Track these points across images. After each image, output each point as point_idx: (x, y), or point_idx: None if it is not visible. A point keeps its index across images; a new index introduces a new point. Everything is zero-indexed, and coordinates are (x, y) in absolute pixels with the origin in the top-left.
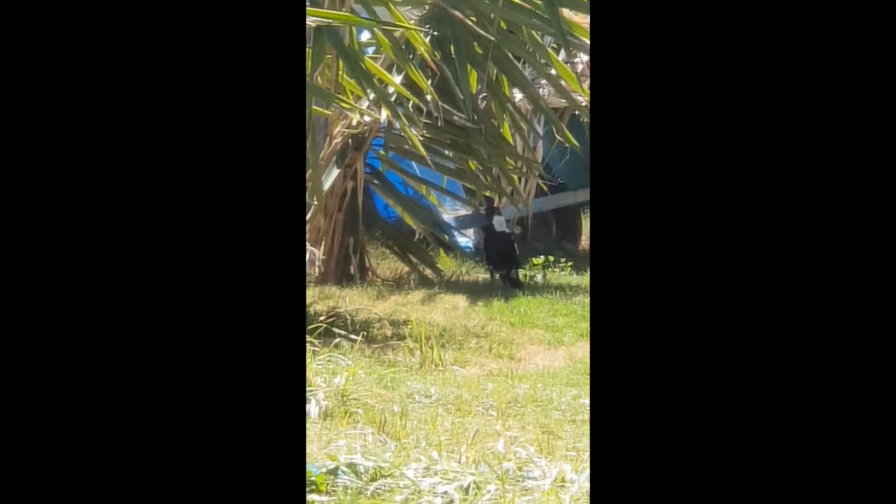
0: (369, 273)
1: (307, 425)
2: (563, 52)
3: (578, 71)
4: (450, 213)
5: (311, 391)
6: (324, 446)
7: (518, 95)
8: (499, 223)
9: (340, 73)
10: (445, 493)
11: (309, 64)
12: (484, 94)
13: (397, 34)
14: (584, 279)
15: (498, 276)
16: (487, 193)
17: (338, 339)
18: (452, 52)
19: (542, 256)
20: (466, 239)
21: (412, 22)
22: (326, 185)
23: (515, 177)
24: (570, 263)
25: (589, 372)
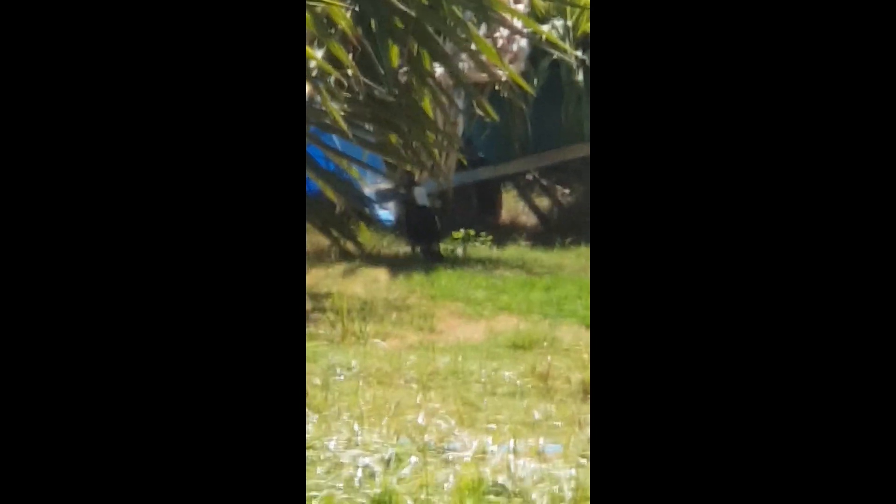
0: None
1: None
2: (483, 27)
3: (498, 46)
4: (370, 186)
5: None
6: None
7: (439, 70)
8: (419, 196)
9: None
10: (367, 465)
11: None
12: (405, 69)
13: (318, 9)
14: (504, 252)
15: (418, 249)
16: (408, 167)
17: None
18: (373, 27)
19: (462, 230)
20: (387, 212)
21: None
22: None
23: (436, 151)
24: (490, 237)
25: (508, 345)
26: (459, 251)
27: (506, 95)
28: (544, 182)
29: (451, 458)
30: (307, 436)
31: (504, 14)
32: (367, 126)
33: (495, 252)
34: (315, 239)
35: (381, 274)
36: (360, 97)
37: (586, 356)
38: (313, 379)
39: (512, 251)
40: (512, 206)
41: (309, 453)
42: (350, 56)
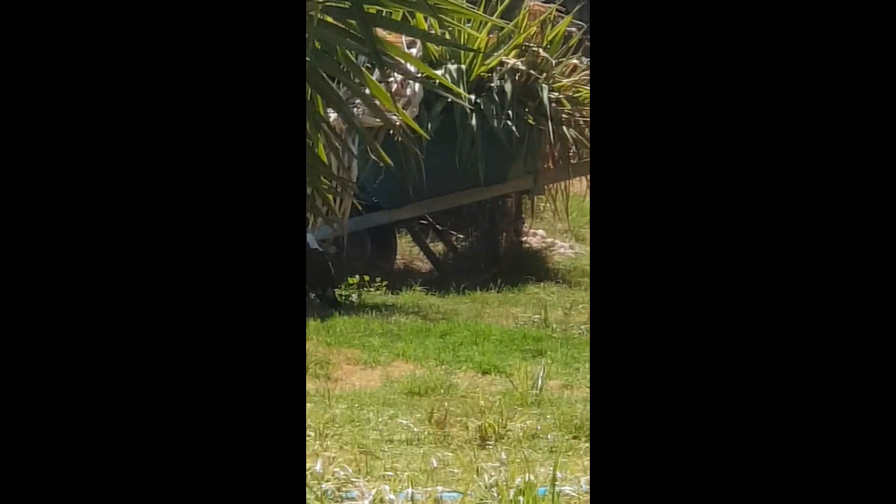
0: None
1: None
2: (376, 72)
3: (392, 90)
4: None
5: None
6: None
7: (332, 115)
8: (310, 241)
9: None
10: None
11: None
12: None
13: None
14: (399, 298)
15: (313, 295)
16: None
17: None
18: None
19: (357, 276)
20: None
21: None
22: None
23: (330, 196)
24: (385, 283)
25: (404, 392)
26: (354, 297)
27: (399, 140)
28: (438, 227)
29: None
30: None
31: (398, 58)
32: None
33: (390, 297)
34: None
35: None
36: None
37: (483, 402)
38: None
39: (407, 296)
40: (406, 251)
41: None
42: None
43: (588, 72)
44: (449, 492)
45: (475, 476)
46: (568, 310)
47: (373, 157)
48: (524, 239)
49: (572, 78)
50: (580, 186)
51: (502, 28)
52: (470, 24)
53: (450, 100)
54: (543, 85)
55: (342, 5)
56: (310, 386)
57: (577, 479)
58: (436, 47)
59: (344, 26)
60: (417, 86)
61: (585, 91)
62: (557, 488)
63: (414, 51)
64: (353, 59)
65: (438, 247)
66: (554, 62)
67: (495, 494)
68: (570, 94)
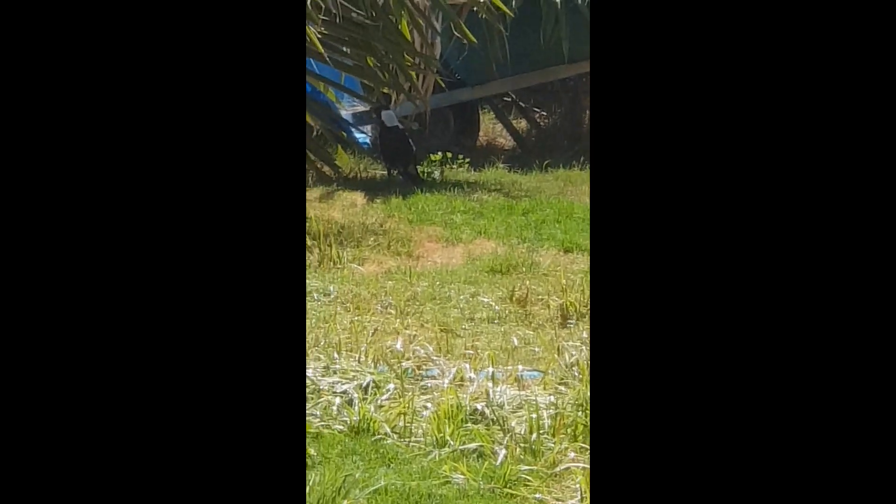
0: None
1: None
2: None
3: None
4: (347, 109)
5: None
6: None
7: None
8: (388, 118)
9: None
10: (345, 391)
11: None
12: None
13: None
14: (482, 175)
15: (395, 172)
16: (385, 90)
17: None
18: None
19: (439, 153)
20: (364, 135)
21: None
22: None
23: (413, 73)
24: (467, 160)
25: (486, 270)
26: (437, 174)
27: (483, 17)
28: (522, 104)
29: (429, 385)
30: None
31: None
32: (344, 49)
33: (473, 175)
34: None
35: (359, 198)
36: (337, 20)
37: (565, 281)
38: None
39: (489, 174)
40: (489, 128)
41: None
42: None
43: None
44: (530, 370)
45: (556, 355)
46: None
47: (456, 34)
48: None
49: None
50: None
51: None
52: None
53: None
54: None
55: None
56: (391, 263)
57: None
58: None
59: None
60: None
61: None
62: None
63: None
64: None
65: (522, 124)
66: None
67: (576, 373)
68: None
